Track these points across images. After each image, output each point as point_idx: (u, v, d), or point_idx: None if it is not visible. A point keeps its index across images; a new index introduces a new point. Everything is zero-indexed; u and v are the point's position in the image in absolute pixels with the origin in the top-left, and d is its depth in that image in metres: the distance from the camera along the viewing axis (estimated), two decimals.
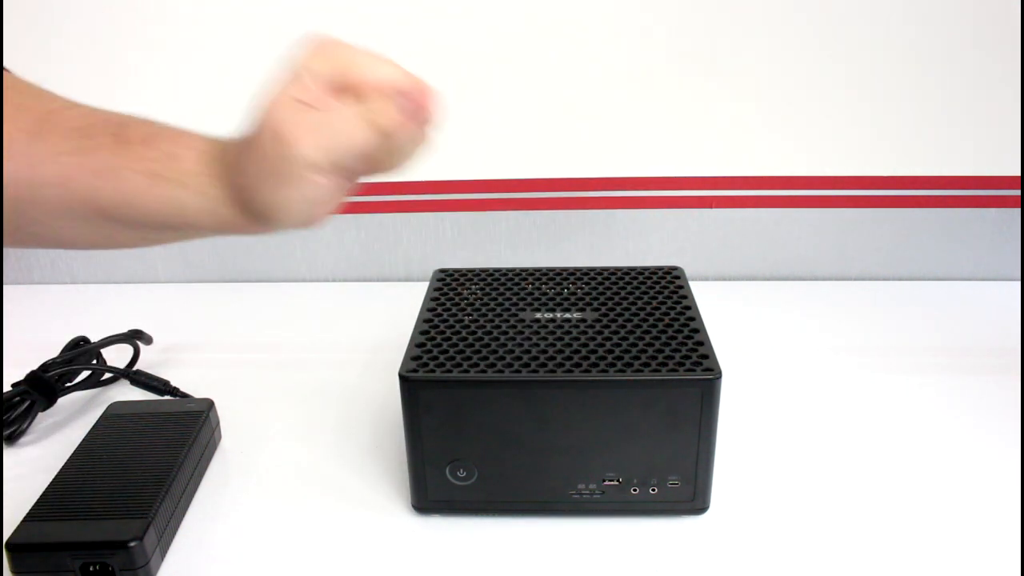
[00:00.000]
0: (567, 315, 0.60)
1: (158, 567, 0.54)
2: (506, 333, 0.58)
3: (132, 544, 0.51)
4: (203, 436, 0.64)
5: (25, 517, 0.53)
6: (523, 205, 0.97)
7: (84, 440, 0.63)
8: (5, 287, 1.00)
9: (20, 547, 0.51)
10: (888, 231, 0.96)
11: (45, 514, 0.54)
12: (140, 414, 0.66)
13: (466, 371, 0.53)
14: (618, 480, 0.55)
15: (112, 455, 0.61)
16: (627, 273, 0.67)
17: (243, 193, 0.39)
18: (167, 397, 0.72)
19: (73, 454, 0.61)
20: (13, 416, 0.67)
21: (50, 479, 0.57)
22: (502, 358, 0.54)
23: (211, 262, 1.00)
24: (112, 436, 0.63)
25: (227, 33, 0.90)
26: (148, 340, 0.78)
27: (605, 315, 0.60)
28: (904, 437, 0.66)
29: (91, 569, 0.51)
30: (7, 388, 0.69)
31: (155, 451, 0.60)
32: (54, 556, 0.51)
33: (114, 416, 0.65)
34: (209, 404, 0.67)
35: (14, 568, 0.51)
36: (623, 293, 0.63)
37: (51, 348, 0.77)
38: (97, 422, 0.65)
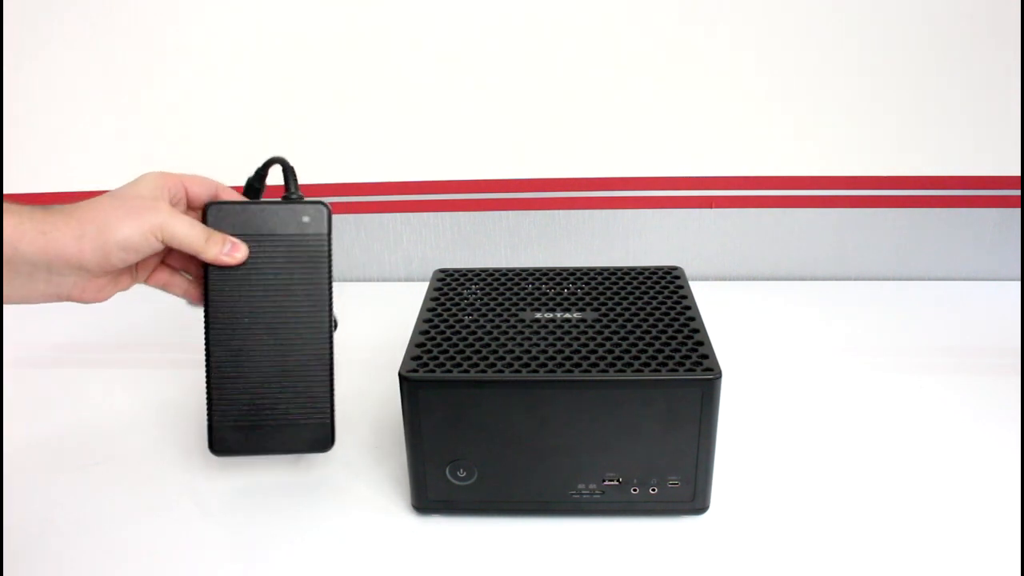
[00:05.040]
0: (567, 315, 0.60)
1: None
2: (506, 333, 0.58)
3: None
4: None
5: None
6: (523, 205, 0.97)
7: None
8: None
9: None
10: (888, 231, 0.96)
11: None
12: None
13: (466, 371, 0.53)
14: (618, 480, 0.55)
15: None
16: (627, 273, 0.67)
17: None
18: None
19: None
20: None
21: None
22: (502, 358, 0.54)
23: None
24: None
25: (230, 36, 0.90)
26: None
27: (605, 315, 0.60)
28: (904, 436, 0.66)
29: None
30: None
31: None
32: None
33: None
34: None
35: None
36: (623, 293, 0.63)
37: (51, 347, 0.78)
38: None
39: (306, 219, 0.57)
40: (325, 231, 0.57)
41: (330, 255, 0.57)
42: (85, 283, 0.50)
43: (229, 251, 0.54)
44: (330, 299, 0.57)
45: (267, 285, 0.56)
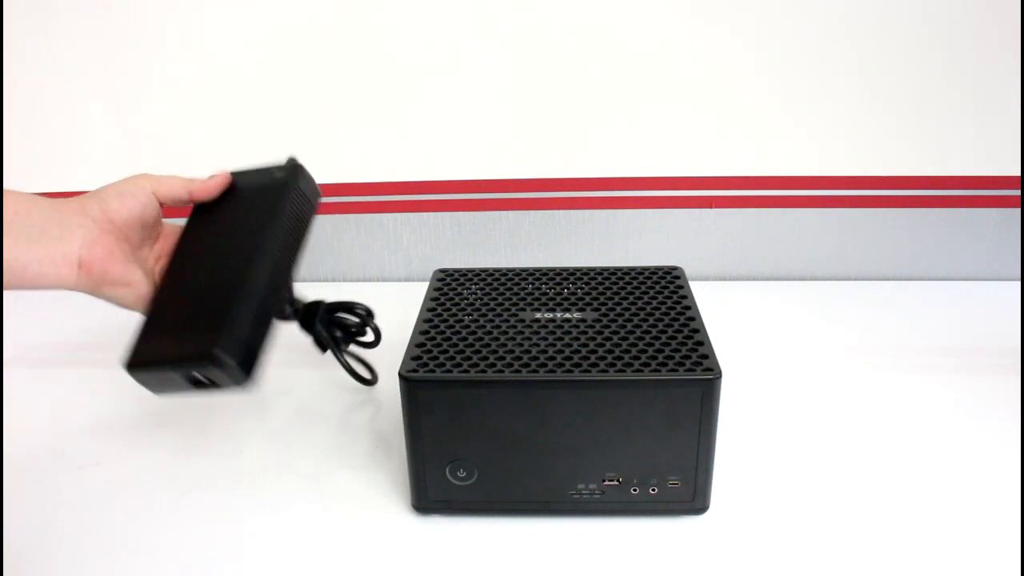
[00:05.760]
0: (567, 315, 0.60)
1: None
2: (506, 333, 0.58)
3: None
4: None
5: None
6: (523, 205, 0.97)
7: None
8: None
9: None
10: (888, 231, 0.96)
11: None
12: None
13: (466, 371, 0.53)
14: (618, 480, 0.55)
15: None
16: (627, 273, 0.67)
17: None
18: None
19: None
20: None
21: None
22: (502, 358, 0.54)
23: None
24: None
25: (230, 36, 0.90)
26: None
27: (605, 315, 0.60)
28: (904, 436, 0.66)
29: None
30: None
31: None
32: None
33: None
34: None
35: None
36: (623, 293, 0.63)
37: (50, 347, 0.77)
38: None
39: (279, 174, 0.60)
40: (292, 177, 0.59)
41: (297, 203, 0.58)
42: (92, 242, 0.53)
43: (209, 180, 0.60)
44: (278, 238, 0.56)
45: (225, 224, 0.59)
